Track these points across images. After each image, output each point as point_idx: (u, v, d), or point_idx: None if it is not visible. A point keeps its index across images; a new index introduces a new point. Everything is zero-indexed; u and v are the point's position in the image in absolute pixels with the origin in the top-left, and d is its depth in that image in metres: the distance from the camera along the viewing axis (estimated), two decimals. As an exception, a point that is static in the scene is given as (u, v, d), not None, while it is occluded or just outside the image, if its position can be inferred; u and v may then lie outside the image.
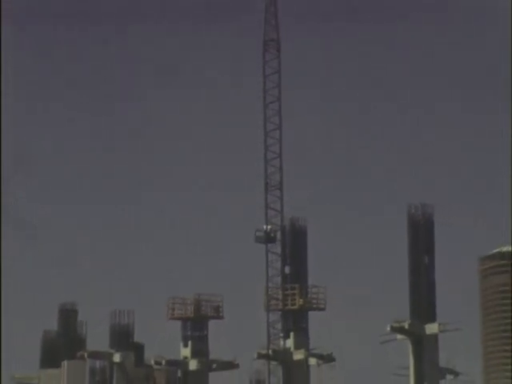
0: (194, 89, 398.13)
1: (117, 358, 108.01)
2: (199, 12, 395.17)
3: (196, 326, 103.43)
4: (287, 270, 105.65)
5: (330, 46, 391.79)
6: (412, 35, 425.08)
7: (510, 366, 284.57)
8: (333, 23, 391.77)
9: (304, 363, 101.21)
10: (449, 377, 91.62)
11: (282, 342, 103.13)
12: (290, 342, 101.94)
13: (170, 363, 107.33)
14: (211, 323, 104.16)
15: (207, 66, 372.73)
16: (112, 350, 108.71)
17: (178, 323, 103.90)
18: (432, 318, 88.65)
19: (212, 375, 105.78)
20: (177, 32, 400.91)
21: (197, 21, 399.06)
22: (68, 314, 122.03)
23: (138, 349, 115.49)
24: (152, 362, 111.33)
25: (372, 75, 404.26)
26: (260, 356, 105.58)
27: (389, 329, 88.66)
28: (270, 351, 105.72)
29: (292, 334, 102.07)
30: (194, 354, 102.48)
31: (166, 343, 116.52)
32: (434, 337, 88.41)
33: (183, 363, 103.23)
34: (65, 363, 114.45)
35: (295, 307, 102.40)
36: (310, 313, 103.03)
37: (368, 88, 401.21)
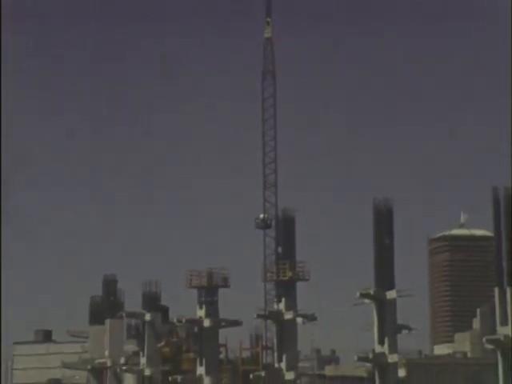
0: (201, 110, 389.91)
1: (147, 317, 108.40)
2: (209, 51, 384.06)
3: (208, 292, 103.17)
4: (280, 249, 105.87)
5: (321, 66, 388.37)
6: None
7: (450, 323, 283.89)
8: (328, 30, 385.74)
9: (293, 321, 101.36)
10: (404, 331, 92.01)
11: (275, 306, 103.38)
12: (281, 305, 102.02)
13: (189, 321, 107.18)
14: (220, 291, 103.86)
15: (213, 94, 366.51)
16: (144, 311, 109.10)
17: (195, 291, 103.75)
18: (391, 286, 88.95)
19: (221, 331, 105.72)
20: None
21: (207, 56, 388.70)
22: (109, 283, 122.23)
23: (164, 310, 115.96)
24: (175, 321, 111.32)
25: (350, 85, 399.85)
26: (258, 316, 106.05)
27: (358, 295, 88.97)
28: (267, 312, 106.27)
29: (283, 299, 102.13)
30: (207, 315, 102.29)
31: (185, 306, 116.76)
32: (393, 301, 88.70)
33: (199, 321, 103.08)
34: (107, 321, 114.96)
35: (286, 278, 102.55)
36: (298, 283, 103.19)
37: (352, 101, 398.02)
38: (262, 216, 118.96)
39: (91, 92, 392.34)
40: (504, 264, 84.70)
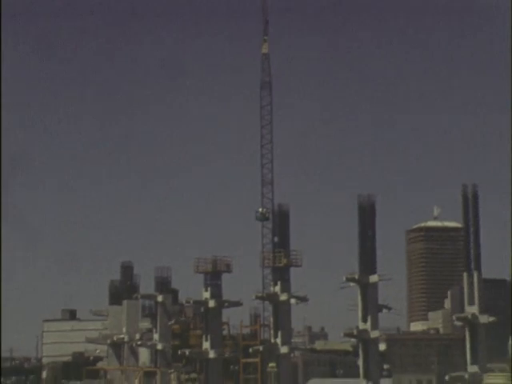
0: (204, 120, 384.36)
1: (159, 298, 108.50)
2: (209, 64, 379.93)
3: (213, 277, 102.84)
4: (276, 239, 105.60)
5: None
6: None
7: (424, 303, 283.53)
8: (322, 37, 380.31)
9: (287, 302, 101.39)
10: (384, 310, 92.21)
11: (272, 288, 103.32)
12: (277, 288, 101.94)
13: (196, 302, 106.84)
14: (224, 275, 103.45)
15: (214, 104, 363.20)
16: (156, 293, 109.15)
17: (201, 275, 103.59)
18: (373, 272, 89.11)
19: (224, 311, 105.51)
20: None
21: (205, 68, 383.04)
22: (126, 269, 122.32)
23: (174, 292, 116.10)
24: (184, 302, 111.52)
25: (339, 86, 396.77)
26: (257, 297, 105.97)
27: (344, 279, 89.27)
28: (264, 294, 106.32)
29: (279, 283, 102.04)
30: (212, 296, 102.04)
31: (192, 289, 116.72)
32: (375, 284, 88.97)
33: (204, 302, 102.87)
34: (124, 302, 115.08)
35: (281, 264, 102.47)
36: (292, 268, 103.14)
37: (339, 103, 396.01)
38: (260, 210, 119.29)
39: (91, 92, 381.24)
40: (472, 252, 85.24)
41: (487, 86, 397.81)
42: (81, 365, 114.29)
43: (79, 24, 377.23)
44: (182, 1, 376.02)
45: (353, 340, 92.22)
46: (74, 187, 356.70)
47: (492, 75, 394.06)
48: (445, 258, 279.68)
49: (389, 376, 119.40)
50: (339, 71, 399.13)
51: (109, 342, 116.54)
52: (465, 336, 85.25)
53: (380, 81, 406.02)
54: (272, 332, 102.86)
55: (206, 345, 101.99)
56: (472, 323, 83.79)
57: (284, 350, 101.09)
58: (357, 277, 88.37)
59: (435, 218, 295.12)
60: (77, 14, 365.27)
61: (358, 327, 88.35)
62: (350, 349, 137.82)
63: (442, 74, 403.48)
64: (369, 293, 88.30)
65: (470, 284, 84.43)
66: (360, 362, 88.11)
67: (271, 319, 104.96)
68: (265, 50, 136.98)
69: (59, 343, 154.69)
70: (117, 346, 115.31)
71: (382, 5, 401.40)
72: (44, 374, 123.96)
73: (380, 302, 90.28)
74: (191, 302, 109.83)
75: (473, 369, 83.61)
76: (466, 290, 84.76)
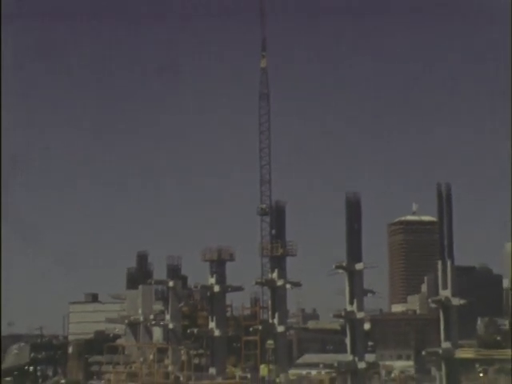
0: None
1: (171, 284, 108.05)
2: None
3: (218, 265, 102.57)
4: (273, 232, 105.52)
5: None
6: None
7: (403, 288, 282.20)
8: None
9: (283, 287, 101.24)
10: (369, 294, 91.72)
11: (270, 275, 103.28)
12: (274, 275, 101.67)
13: (203, 287, 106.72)
14: (227, 263, 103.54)
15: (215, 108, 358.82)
16: (168, 279, 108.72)
17: (207, 263, 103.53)
18: (359, 260, 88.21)
19: (228, 295, 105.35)
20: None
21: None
22: (142, 258, 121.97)
23: (184, 278, 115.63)
24: (192, 287, 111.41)
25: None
26: (257, 283, 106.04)
27: (334, 266, 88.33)
28: (263, 280, 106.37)
29: (276, 270, 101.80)
30: (217, 282, 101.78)
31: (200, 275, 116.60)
32: (361, 271, 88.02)
33: (210, 287, 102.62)
34: (140, 287, 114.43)
35: (278, 254, 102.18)
36: (287, 257, 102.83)
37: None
38: (261, 206, 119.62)
39: (90, 92, 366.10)
40: (445, 243, 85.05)
41: (469, 89, 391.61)
42: (102, 342, 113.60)
43: (79, 24, 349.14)
44: (185, 19, 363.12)
45: (341, 320, 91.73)
46: (82, 186, 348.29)
47: (483, 79, 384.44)
48: (422, 248, 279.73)
49: (373, 352, 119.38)
50: (332, 82, 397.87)
51: (126, 321, 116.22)
52: (439, 316, 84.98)
53: (365, 88, 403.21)
54: (270, 313, 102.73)
55: (212, 324, 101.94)
56: (445, 305, 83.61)
57: (280, 329, 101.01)
58: (344, 265, 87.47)
59: (413, 213, 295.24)
60: (77, 14, 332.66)
61: (345, 309, 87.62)
62: (339, 328, 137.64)
63: (431, 79, 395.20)
64: (355, 279, 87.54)
65: (444, 271, 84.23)
66: (347, 340, 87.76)
67: (269, 302, 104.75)
68: (263, 64, 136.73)
69: (83, 323, 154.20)
70: (133, 326, 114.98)
71: (376, 20, 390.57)
72: (70, 350, 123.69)
73: (365, 286, 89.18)
74: (199, 286, 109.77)
75: (446, 345, 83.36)
76: (440, 276, 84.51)
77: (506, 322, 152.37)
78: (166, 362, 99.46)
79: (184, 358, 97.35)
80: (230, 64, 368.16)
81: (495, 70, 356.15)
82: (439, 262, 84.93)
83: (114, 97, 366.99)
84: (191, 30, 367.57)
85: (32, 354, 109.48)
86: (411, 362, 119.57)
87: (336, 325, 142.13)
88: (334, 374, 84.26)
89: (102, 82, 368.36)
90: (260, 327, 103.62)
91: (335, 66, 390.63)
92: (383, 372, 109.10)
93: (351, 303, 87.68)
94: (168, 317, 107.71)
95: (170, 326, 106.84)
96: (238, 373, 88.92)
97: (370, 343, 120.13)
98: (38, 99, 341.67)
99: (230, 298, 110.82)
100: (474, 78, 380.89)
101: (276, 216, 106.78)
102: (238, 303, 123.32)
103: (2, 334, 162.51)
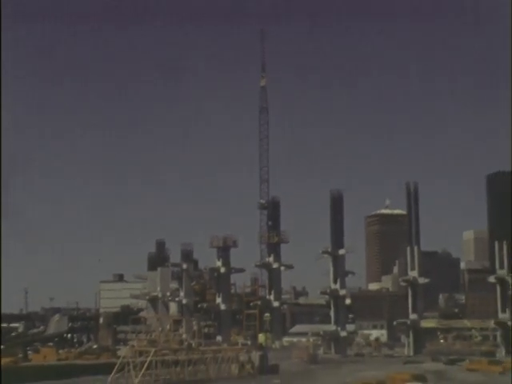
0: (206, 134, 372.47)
1: (184, 266, 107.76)
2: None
3: (224, 250, 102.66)
4: (270, 223, 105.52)
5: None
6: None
7: (378, 269, 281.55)
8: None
9: (278, 269, 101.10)
10: (350, 275, 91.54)
11: (267, 259, 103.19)
12: (271, 259, 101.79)
13: (211, 269, 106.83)
14: (232, 249, 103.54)
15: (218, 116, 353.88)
16: (182, 262, 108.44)
17: (215, 249, 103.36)
18: (342, 246, 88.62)
19: (232, 276, 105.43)
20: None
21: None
22: (160, 244, 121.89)
23: (195, 262, 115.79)
24: (202, 268, 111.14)
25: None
26: (256, 266, 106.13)
27: (320, 252, 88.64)
28: (261, 263, 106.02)
29: (272, 255, 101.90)
30: (223, 265, 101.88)
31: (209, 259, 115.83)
32: (343, 256, 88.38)
33: (217, 269, 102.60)
34: (159, 269, 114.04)
35: (274, 241, 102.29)
36: (281, 244, 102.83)
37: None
38: (261, 201, 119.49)
39: (91, 92, 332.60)
40: (413, 232, 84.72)
41: (455, 88, 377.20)
42: (127, 314, 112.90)
43: (79, 24, 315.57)
44: (190, 38, 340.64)
45: (326, 296, 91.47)
46: (92, 182, 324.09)
47: (476, 78, 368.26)
48: (393, 236, 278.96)
49: (353, 322, 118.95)
50: (325, 95, 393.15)
51: (147, 298, 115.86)
52: (407, 293, 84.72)
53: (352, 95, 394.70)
54: (267, 291, 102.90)
55: (219, 300, 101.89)
56: (413, 283, 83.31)
57: (276, 304, 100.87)
58: (329, 250, 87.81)
59: (386, 207, 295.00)
60: (76, 14, 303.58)
61: (330, 287, 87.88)
62: (324, 303, 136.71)
63: (431, 79, 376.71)
64: (338, 262, 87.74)
65: (412, 255, 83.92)
66: (331, 313, 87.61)
67: (266, 281, 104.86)
68: (262, 83, 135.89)
69: (111, 298, 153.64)
70: (153, 301, 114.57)
71: (376, 22, 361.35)
72: (101, 321, 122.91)
73: (346, 268, 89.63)
74: (207, 268, 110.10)
75: (413, 316, 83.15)
76: (408, 260, 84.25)
77: (463, 297, 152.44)
78: (181, 331, 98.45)
79: (195, 327, 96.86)
80: (236, 84, 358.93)
81: (495, 70, 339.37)
82: (408, 248, 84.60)
83: (113, 97, 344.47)
84: (196, 42, 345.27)
85: (69, 324, 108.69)
86: (384, 331, 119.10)
87: (322, 300, 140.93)
88: (319, 342, 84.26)
89: (102, 81, 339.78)
90: (259, 302, 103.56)
91: (335, 66, 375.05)
92: (361, 339, 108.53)
93: (335, 282, 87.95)
94: (182, 294, 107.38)
95: (184, 301, 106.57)
96: (241, 340, 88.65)
97: (350, 315, 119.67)
98: (38, 99, 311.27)
99: (234, 278, 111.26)
100: (474, 78, 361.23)
101: (272, 210, 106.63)
102: (240, 282, 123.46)
103: (45, 307, 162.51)
